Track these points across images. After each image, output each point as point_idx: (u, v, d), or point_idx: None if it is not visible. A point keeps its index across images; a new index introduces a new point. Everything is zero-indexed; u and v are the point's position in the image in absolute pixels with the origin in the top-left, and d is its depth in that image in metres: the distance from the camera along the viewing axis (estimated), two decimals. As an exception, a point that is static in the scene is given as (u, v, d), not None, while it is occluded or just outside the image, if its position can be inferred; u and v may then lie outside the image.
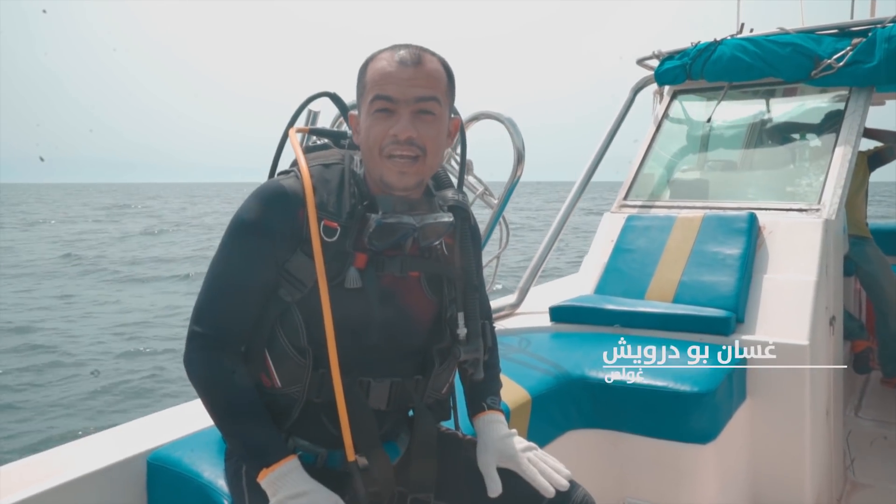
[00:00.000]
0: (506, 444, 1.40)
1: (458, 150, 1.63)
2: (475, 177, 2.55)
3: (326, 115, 2.16)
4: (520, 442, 1.41)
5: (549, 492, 1.32)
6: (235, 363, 1.27)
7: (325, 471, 1.32)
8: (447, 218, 1.33)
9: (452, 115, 1.36)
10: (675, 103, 3.56)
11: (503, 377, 2.05)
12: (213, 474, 1.46)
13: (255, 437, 1.23)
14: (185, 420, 1.78)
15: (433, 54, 1.30)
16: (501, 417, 1.47)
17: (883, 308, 3.89)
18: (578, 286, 2.96)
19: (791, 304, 2.46)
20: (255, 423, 1.24)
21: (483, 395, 1.49)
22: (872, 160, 4.09)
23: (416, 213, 1.30)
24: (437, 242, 1.35)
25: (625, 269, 2.85)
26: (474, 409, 1.49)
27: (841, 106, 3.14)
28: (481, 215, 2.34)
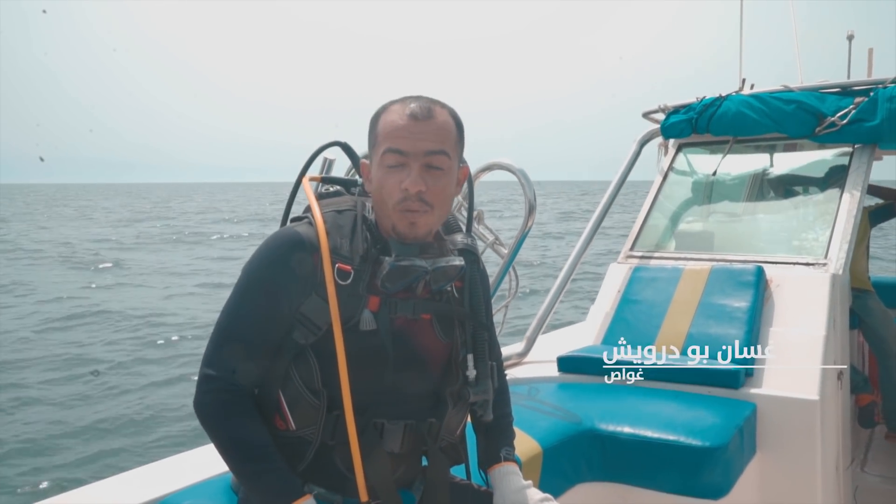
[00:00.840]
0: (522, 496, 1.39)
1: (467, 198, 1.66)
2: (486, 226, 2.58)
3: (341, 163, 2.19)
4: (535, 493, 1.41)
5: None
6: (248, 406, 1.28)
7: None
8: (458, 261, 1.36)
9: (461, 165, 1.40)
10: (680, 156, 3.61)
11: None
12: (224, 523, 1.45)
13: (271, 478, 1.23)
14: (196, 467, 1.77)
15: (443, 106, 1.34)
16: (517, 469, 1.47)
17: (886, 362, 3.88)
18: (585, 336, 2.96)
19: (800, 359, 2.47)
20: (271, 464, 1.24)
21: (498, 446, 1.49)
22: (874, 216, 4.14)
23: (428, 257, 1.33)
24: (447, 286, 1.37)
25: (632, 319, 2.86)
26: (489, 460, 1.49)
27: (843, 161, 3.20)
28: (490, 265, 2.36)
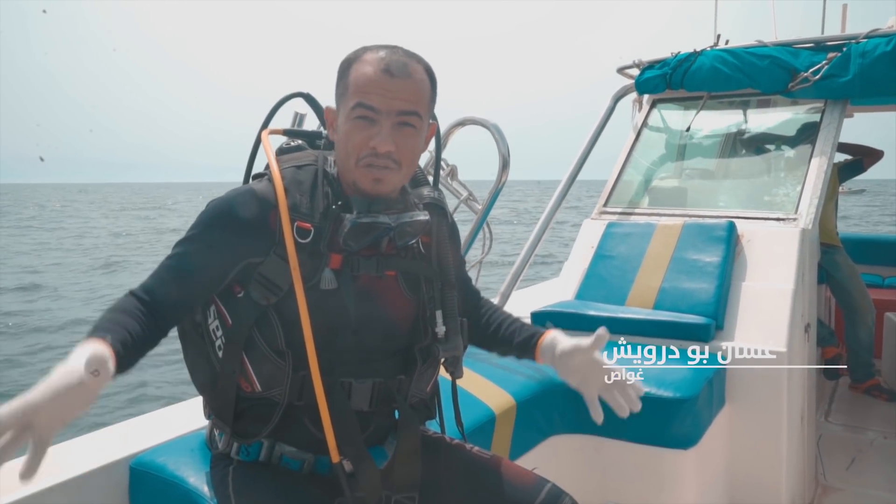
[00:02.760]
0: (582, 360, 1.43)
1: (435, 150, 1.62)
2: (459, 182, 2.55)
3: (312, 118, 2.15)
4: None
5: (636, 406, 1.41)
6: (142, 310, 1.21)
7: (313, 476, 1.31)
8: (423, 216, 1.32)
9: (430, 122, 1.35)
10: (654, 112, 3.61)
11: (486, 381, 2.07)
12: (198, 480, 1.44)
13: (99, 322, 1.15)
14: (169, 424, 1.76)
15: (419, 61, 1.28)
16: (558, 333, 1.49)
17: (852, 316, 3.98)
18: (559, 292, 2.98)
19: (769, 312, 2.51)
20: (107, 316, 1.17)
21: (522, 327, 1.53)
22: (843, 171, 4.19)
23: (392, 212, 1.30)
24: (413, 241, 1.34)
25: (605, 275, 2.87)
26: (528, 347, 1.50)
27: (815, 118, 3.21)
28: (465, 221, 2.35)
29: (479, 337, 1.56)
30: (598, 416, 1.38)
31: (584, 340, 1.38)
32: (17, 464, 1.57)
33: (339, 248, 1.27)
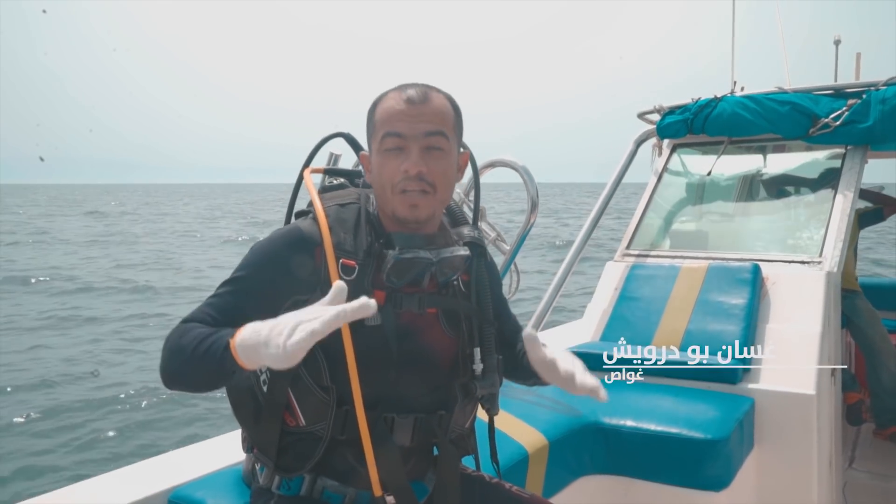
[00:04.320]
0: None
1: (472, 193, 1.65)
2: (488, 223, 2.59)
3: (347, 158, 2.20)
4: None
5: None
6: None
7: None
8: (463, 251, 1.35)
9: (462, 150, 1.39)
10: (675, 156, 3.66)
11: (518, 420, 2.07)
12: (237, 514, 1.45)
13: (210, 336, 1.15)
14: (207, 458, 1.77)
15: (439, 91, 1.34)
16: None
17: (874, 361, 3.95)
18: (583, 333, 2.99)
19: (797, 354, 2.51)
20: (209, 333, 1.16)
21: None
22: (863, 219, 4.22)
23: (433, 248, 1.33)
24: (454, 278, 1.37)
25: (630, 317, 2.89)
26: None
27: (833, 162, 3.25)
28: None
29: (513, 369, 1.54)
30: (601, 394, 1.28)
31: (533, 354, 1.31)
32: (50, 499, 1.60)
33: (383, 285, 1.29)
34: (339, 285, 1.04)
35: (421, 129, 1.28)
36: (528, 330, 1.30)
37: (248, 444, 1.42)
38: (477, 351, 1.39)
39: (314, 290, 1.27)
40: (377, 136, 1.30)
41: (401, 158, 1.27)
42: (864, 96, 3.00)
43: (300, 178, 1.47)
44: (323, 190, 1.43)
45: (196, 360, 1.14)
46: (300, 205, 1.46)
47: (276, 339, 1.00)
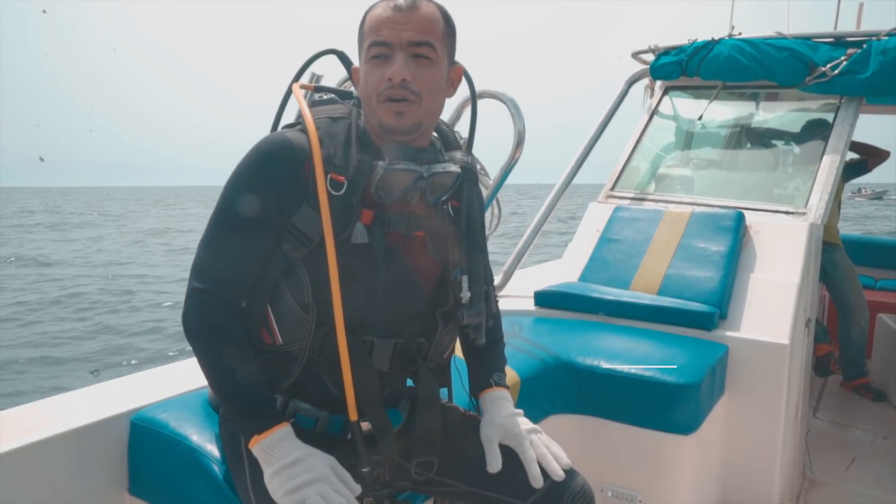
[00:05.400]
0: (512, 422, 1.39)
1: (469, 116, 1.59)
2: (473, 156, 2.52)
3: (331, 81, 2.10)
4: (525, 423, 1.41)
5: (539, 483, 1.32)
6: (237, 329, 1.24)
7: (324, 437, 1.29)
8: (454, 168, 1.30)
9: (454, 65, 1.33)
10: (666, 99, 3.58)
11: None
12: (202, 438, 1.42)
13: (250, 399, 1.19)
14: (172, 381, 1.73)
15: (430, 0, 1.27)
16: (508, 395, 1.46)
17: (846, 315, 4.00)
18: (562, 273, 2.97)
19: (774, 304, 2.51)
20: (251, 385, 1.20)
21: (490, 371, 1.48)
22: (847, 171, 4.19)
23: (424, 163, 1.27)
24: (444, 198, 1.33)
25: (610, 258, 2.86)
26: (479, 385, 1.47)
27: (827, 115, 3.20)
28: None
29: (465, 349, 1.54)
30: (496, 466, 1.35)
31: (513, 440, 1.37)
32: (12, 413, 1.56)
33: (371, 203, 1.25)
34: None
35: (406, 37, 1.22)
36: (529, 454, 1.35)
37: None
38: (464, 278, 1.36)
39: (300, 204, 1.23)
40: (364, 45, 1.25)
41: (386, 66, 1.22)
42: (865, 46, 2.92)
43: (288, 93, 1.40)
44: (312, 104, 1.36)
45: (223, 390, 1.21)
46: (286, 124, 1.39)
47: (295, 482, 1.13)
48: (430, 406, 1.35)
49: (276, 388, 1.28)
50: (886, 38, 2.89)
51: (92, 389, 1.72)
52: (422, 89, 1.23)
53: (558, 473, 1.33)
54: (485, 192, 2.46)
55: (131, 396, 1.63)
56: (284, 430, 1.17)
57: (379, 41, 1.22)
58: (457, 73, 1.34)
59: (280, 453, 1.15)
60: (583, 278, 2.85)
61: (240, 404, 1.19)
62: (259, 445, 1.16)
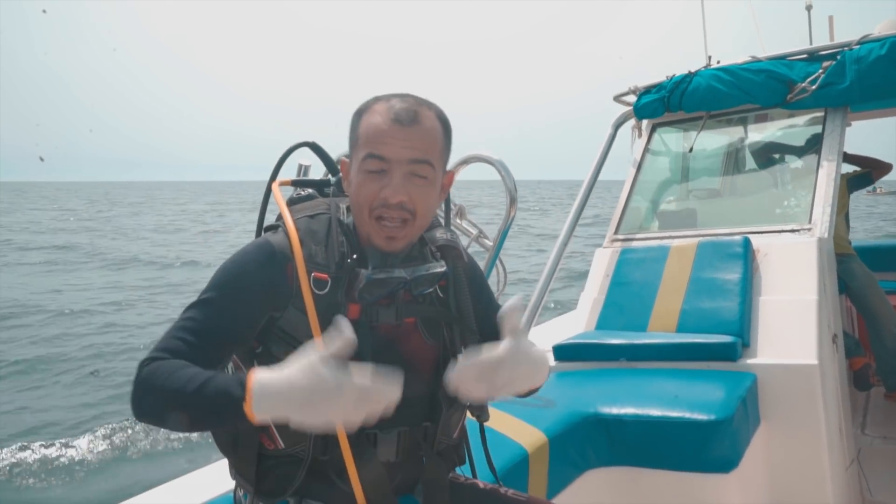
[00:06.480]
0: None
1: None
2: (469, 220, 2.54)
3: (318, 168, 2.15)
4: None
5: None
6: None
7: None
8: (440, 268, 1.29)
9: (446, 171, 1.33)
10: (655, 136, 3.61)
11: (515, 419, 2.02)
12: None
13: (212, 385, 1.07)
14: (199, 487, 1.71)
15: (430, 107, 1.26)
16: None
17: (875, 324, 3.90)
18: (578, 323, 2.94)
19: (795, 325, 2.46)
20: (206, 377, 1.08)
21: None
22: (852, 183, 4.18)
23: (408, 266, 1.26)
24: (430, 290, 1.31)
25: (624, 302, 2.84)
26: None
27: (816, 128, 3.21)
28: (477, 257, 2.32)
29: None
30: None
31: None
32: None
33: (355, 298, 1.24)
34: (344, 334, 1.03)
35: (406, 155, 1.21)
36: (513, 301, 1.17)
37: (233, 472, 1.37)
38: (461, 358, 1.34)
39: (285, 306, 1.22)
40: (359, 152, 1.24)
41: (382, 182, 1.21)
42: (839, 57, 2.95)
43: (267, 192, 1.41)
44: (291, 202, 1.38)
45: (187, 401, 1.08)
46: (269, 220, 1.41)
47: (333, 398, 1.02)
48: (438, 495, 1.31)
49: (284, 491, 1.25)
50: (858, 46, 2.92)
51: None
52: (417, 208, 1.23)
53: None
54: (485, 259, 2.47)
55: None
56: (257, 374, 1.06)
57: (376, 155, 1.21)
58: (448, 179, 1.35)
59: (279, 389, 1.03)
60: (599, 326, 2.83)
61: (207, 393, 1.08)
62: (256, 406, 1.03)
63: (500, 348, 1.16)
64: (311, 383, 1.02)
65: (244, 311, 1.21)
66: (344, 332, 1.03)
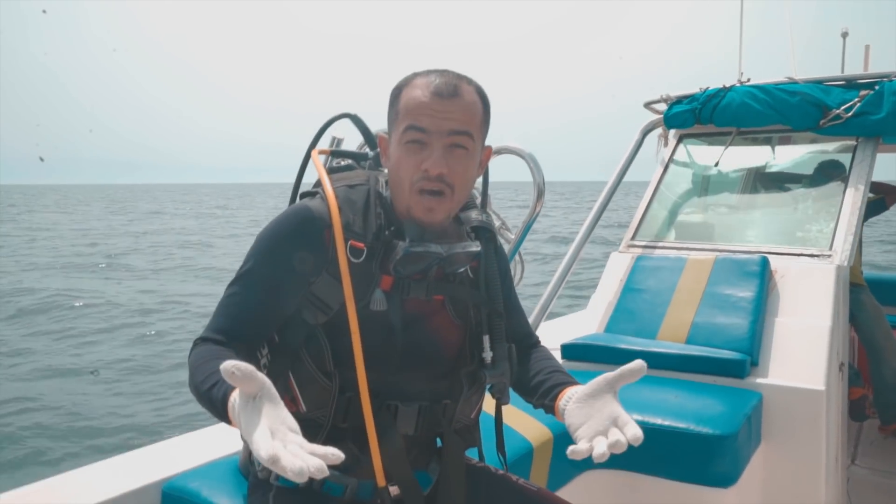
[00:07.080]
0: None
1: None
2: (493, 211, 2.53)
3: (351, 142, 2.14)
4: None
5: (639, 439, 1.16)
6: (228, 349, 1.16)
7: (355, 503, 1.28)
8: (475, 247, 1.31)
9: (485, 146, 1.34)
10: (681, 147, 3.60)
11: (523, 413, 2.02)
12: (233, 506, 1.40)
13: (216, 391, 1.05)
14: (202, 448, 1.72)
15: (469, 83, 1.27)
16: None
17: (877, 357, 3.90)
18: (587, 324, 2.94)
19: (806, 349, 2.46)
20: (215, 381, 1.06)
21: (558, 383, 1.34)
22: (866, 209, 4.16)
23: (444, 242, 1.28)
24: (462, 269, 1.33)
25: (635, 308, 2.84)
26: (553, 394, 1.32)
27: (841, 155, 3.20)
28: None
29: (520, 383, 1.45)
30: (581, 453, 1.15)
31: (610, 375, 1.22)
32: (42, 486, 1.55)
33: (390, 270, 1.25)
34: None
35: (446, 126, 1.22)
36: (636, 364, 1.20)
37: None
38: (486, 339, 1.35)
39: (320, 272, 1.24)
40: (399, 125, 1.25)
41: (422, 155, 1.22)
42: (877, 87, 2.94)
43: (306, 159, 1.43)
44: (330, 171, 1.38)
45: (201, 397, 1.11)
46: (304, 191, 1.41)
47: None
48: (455, 472, 1.33)
49: None
50: None
51: (121, 459, 1.71)
52: (456, 181, 1.24)
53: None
54: (507, 248, 2.47)
55: (162, 465, 1.61)
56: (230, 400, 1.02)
57: (416, 126, 1.22)
58: (487, 154, 1.35)
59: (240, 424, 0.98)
60: (608, 329, 2.83)
61: (210, 406, 1.08)
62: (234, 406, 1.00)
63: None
64: (245, 423, 0.94)
65: (283, 283, 1.23)
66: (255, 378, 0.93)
